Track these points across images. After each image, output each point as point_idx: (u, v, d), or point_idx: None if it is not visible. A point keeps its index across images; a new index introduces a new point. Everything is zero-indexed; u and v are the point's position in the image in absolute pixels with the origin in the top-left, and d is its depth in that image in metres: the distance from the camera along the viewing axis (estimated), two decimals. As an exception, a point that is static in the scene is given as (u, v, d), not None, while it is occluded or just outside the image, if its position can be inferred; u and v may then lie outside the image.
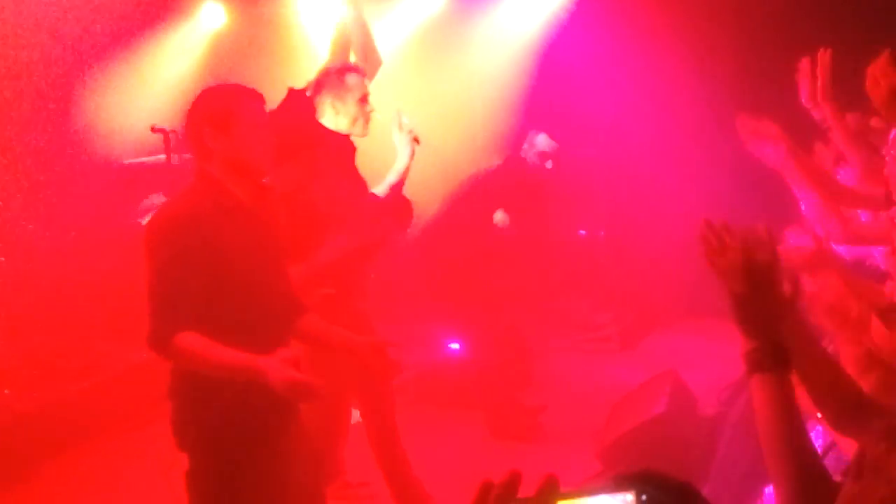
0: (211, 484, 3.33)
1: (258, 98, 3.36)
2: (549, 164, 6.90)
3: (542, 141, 6.87)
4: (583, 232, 8.91)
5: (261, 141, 3.30)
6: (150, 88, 7.80)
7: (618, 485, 1.34)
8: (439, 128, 7.48)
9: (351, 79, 4.89)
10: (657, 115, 8.28)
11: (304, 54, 8.57)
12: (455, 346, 7.09)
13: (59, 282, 6.55)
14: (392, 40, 8.74)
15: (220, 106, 3.26)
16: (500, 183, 6.90)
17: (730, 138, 4.20)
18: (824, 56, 3.98)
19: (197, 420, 3.29)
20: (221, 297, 3.18)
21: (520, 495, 1.28)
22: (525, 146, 6.95)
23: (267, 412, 3.28)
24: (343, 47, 5.60)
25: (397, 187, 5.05)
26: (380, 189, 5.03)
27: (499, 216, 6.96)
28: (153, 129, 6.49)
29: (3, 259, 6.36)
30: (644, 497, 1.34)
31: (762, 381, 2.02)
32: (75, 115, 7.29)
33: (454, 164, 7.62)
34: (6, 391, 6.09)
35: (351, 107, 4.86)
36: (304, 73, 7.42)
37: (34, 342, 6.44)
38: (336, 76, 4.92)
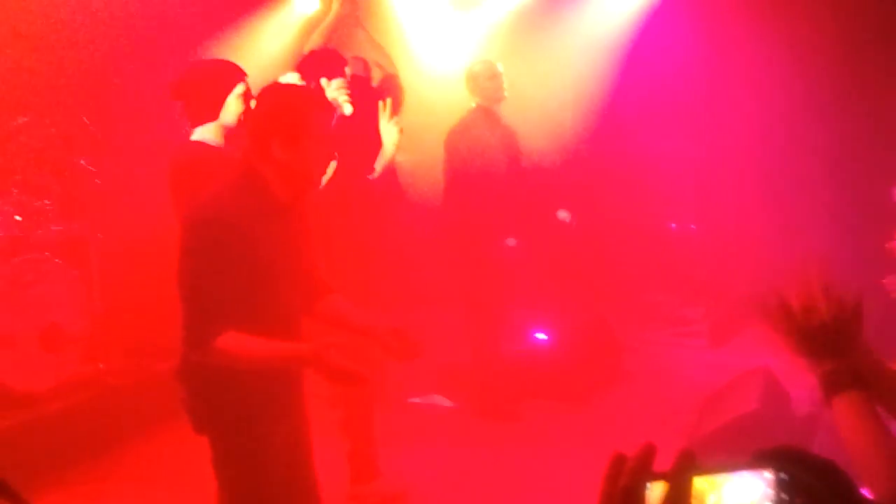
0: (230, 464, 3.34)
1: (330, 110, 3.33)
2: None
3: None
4: (673, 225, 8.78)
5: (324, 155, 3.30)
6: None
7: (756, 462, 1.29)
8: (527, 116, 7.43)
9: None
10: (750, 106, 8.12)
11: (397, 40, 8.62)
12: (542, 336, 7.03)
13: (158, 258, 6.63)
14: (482, 27, 8.77)
15: (294, 118, 3.17)
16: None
17: (824, 131, 4.07)
18: None
19: (210, 402, 3.31)
20: (256, 298, 3.14)
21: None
22: None
23: (276, 393, 3.34)
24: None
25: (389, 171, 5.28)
26: (373, 175, 5.27)
27: (562, 214, 6.89)
28: None
29: (100, 235, 6.48)
30: (783, 475, 1.29)
31: (846, 399, 1.99)
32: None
33: (540, 152, 7.57)
34: (101, 365, 6.21)
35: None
36: (394, 58, 7.55)
37: (132, 318, 6.57)
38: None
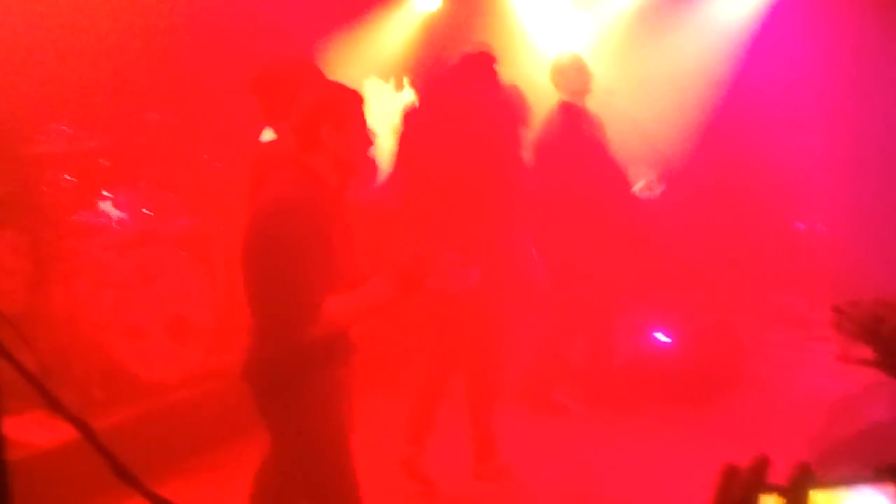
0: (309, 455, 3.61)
1: (363, 101, 3.62)
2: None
3: None
4: (801, 225, 8.51)
5: (367, 142, 3.64)
6: (364, 67, 7.97)
7: (881, 477, 1.22)
8: (646, 111, 7.33)
9: None
10: (884, 105, 7.80)
11: (516, 41, 8.62)
12: (664, 337, 6.91)
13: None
14: (602, 22, 8.69)
15: (341, 104, 3.51)
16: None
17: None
18: None
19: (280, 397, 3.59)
20: (331, 269, 3.44)
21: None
22: None
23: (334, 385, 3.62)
24: None
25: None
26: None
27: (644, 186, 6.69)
28: None
29: (224, 229, 6.63)
30: None
31: None
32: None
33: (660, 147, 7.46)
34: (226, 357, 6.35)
35: None
36: (514, 59, 7.56)
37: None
38: None
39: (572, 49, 6.91)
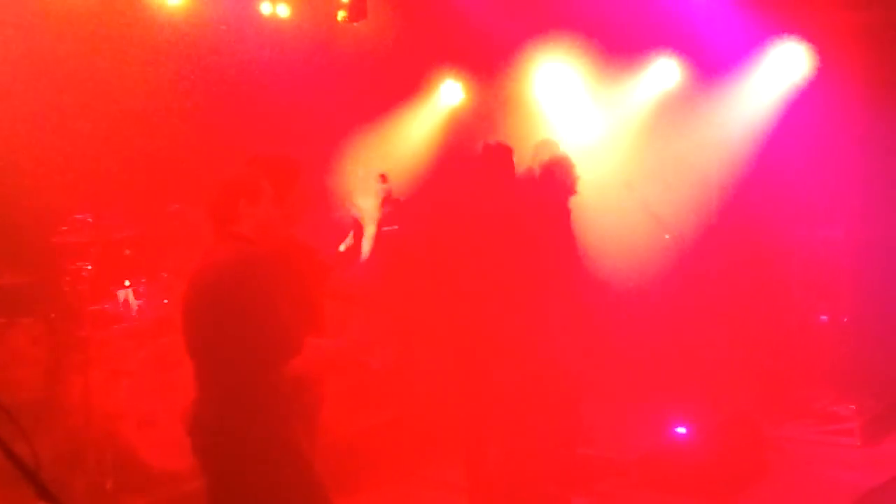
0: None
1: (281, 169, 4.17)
2: None
3: None
4: (825, 317, 8.42)
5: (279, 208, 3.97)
6: (390, 157, 8.13)
7: None
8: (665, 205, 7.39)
9: None
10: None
11: (538, 129, 8.75)
12: (682, 430, 6.80)
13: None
14: (627, 110, 8.83)
15: (251, 179, 3.91)
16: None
17: None
18: None
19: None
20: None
21: None
22: None
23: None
24: None
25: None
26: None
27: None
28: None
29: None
30: None
31: None
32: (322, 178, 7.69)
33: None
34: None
35: None
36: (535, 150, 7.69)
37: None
38: None
39: (568, 148, 7.15)
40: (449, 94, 9.14)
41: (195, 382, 3.79)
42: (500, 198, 6.19)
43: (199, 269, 3.86)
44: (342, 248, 4.83)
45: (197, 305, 3.79)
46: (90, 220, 6.16)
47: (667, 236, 7.23)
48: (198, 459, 3.77)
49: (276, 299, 3.65)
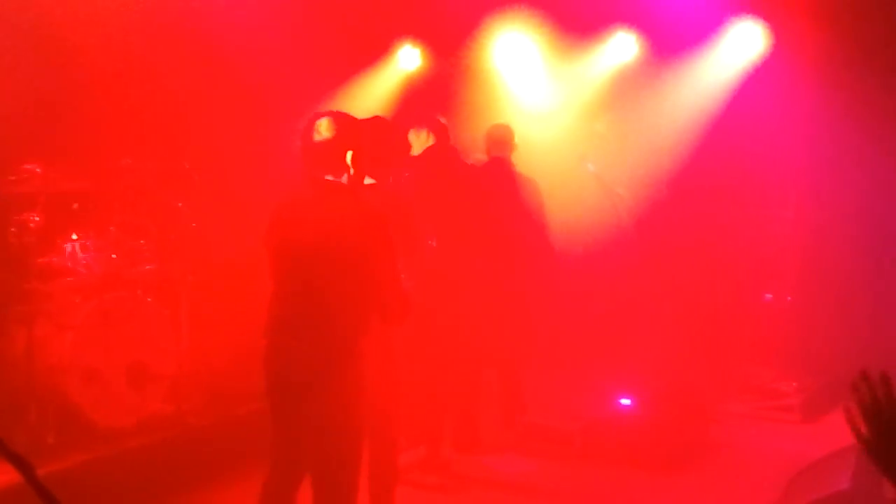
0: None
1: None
2: None
3: None
4: (769, 296, 8.55)
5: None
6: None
7: None
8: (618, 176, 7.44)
9: None
10: (852, 175, 7.91)
11: (497, 98, 8.76)
12: (627, 401, 6.88)
13: (246, 302, 6.73)
14: (584, 82, 8.86)
15: (360, 135, 4.24)
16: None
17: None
18: None
19: None
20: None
21: None
22: None
23: None
24: None
25: None
26: None
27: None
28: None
29: (192, 277, 6.61)
30: None
31: None
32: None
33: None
34: (184, 405, 6.29)
35: None
36: (495, 114, 7.74)
37: (217, 360, 6.67)
38: None
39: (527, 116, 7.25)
40: (407, 60, 9.11)
41: (279, 306, 4.08)
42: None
43: (296, 210, 4.16)
44: None
45: (298, 244, 4.04)
46: (38, 170, 6.03)
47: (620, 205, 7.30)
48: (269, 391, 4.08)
49: (396, 264, 4.05)
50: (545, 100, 8.90)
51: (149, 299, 6.25)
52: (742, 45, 8.43)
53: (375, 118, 5.31)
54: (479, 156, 7.12)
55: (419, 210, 5.37)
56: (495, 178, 6.98)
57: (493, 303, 6.62)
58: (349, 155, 4.15)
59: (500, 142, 7.12)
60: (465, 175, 6.57)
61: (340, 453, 4.06)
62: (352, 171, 4.15)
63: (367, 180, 4.54)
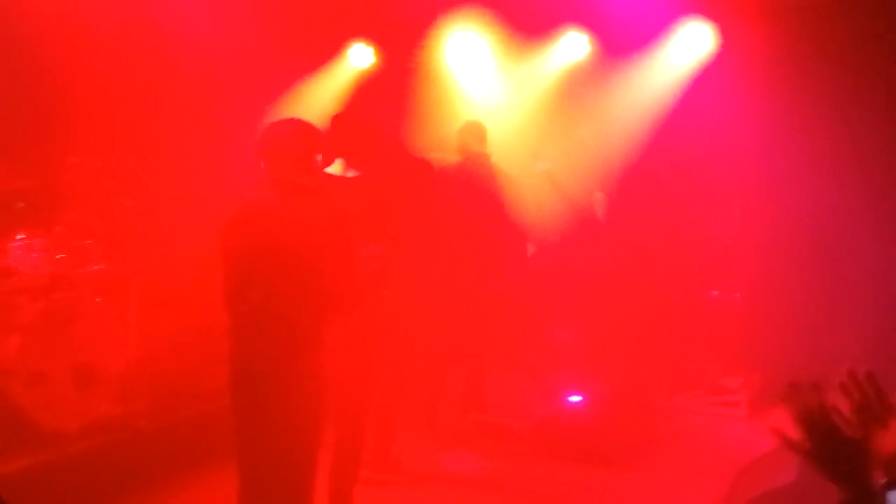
0: None
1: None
2: None
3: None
4: (716, 293, 8.66)
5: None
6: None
7: None
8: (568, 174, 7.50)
9: None
10: (800, 173, 8.02)
11: (449, 97, 8.77)
12: (576, 398, 6.94)
13: (196, 304, 6.70)
14: (535, 81, 8.90)
15: (331, 137, 4.50)
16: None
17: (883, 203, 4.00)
18: None
19: None
20: None
21: None
22: None
23: None
24: None
25: None
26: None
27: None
28: None
29: (141, 278, 6.55)
30: None
31: None
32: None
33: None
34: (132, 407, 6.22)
35: None
36: (448, 112, 7.76)
37: (166, 362, 6.63)
38: None
39: (480, 114, 7.29)
40: (358, 58, 9.10)
41: (240, 319, 4.02)
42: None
43: (259, 210, 4.06)
44: None
45: (261, 244, 3.97)
46: (-17, 169, 5.95)
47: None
48: (233, 386, 4.00)
49: (354, 258, 4.01)
50: (497, 98, 8.93)
51: (97, 300, 6.18)
52: (691, 44, 8.51)
53: (334, 117, 5.29)
54: (437, 155, 7.09)
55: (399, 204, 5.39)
56: (480, 175, 7.01)
57: (467, 299, 6.66)
58: (318, 158, 4.20)
59: (480, 137, 7.15)
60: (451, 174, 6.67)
61: (300, 443, 4.04)
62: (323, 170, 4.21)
63: (351, 172, 4.61)
